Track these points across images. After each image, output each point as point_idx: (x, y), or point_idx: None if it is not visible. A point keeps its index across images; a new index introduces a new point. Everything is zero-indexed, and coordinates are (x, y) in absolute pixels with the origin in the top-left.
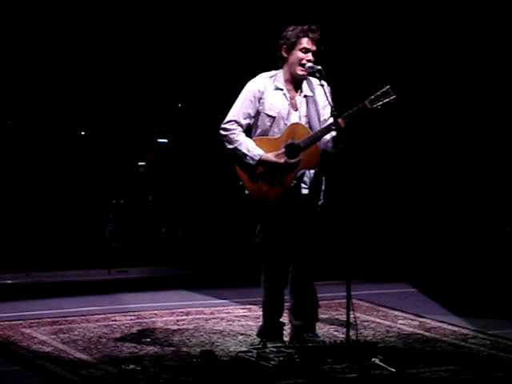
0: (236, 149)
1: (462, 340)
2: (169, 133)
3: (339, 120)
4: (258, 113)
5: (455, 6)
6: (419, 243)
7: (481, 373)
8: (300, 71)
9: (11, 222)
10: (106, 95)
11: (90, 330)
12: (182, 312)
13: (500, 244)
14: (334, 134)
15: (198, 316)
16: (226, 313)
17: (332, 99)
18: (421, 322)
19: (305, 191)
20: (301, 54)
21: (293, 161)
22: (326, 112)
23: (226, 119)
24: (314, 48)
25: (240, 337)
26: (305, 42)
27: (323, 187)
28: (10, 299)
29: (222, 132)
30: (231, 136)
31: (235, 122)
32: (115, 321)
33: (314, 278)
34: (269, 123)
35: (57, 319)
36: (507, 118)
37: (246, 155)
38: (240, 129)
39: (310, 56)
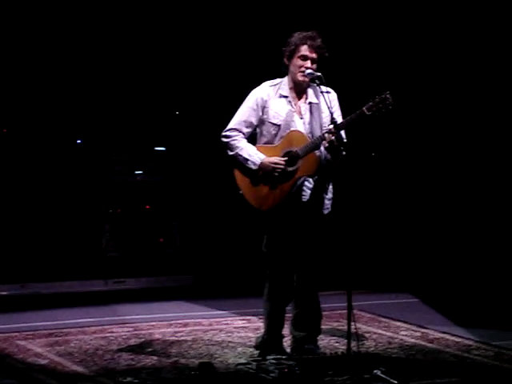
0: (237, 154)
1: (465, 351)
2: (166, 141)
3: (326, 135)
4: (262, 122)
5: (455, 7)
6: (421, 253)
7: None
8: (300, 77)
9: (6, 232)
10: (103, 103)
11: (87, 342)
12: (180, 323)
13: (503, 254)
14: (326, 144)
15: (196, 327)
16: (225, 324)
17: (338, 105)
18: (423, 332)
19: (305, 198)
20: (300, 62)
21: (291, 169)
22: (328, 120)
23: (228, 127)
24: (313, 55)
25: (239, 348)
26: (303, 50)
27: (331, 195)
28: (5, 311)
29: (224, 139)
30: (232, 142)
31: (236, 129)
32: (112, 332)
33: (318, 288)
34: (274, 132)
35: (52, 331)
36: (507, 123)
37: (247, 160)
38: (241, 135)
39: (308, 63)
